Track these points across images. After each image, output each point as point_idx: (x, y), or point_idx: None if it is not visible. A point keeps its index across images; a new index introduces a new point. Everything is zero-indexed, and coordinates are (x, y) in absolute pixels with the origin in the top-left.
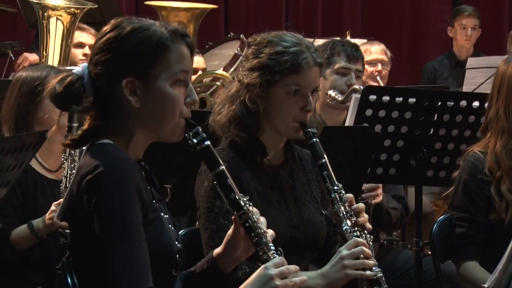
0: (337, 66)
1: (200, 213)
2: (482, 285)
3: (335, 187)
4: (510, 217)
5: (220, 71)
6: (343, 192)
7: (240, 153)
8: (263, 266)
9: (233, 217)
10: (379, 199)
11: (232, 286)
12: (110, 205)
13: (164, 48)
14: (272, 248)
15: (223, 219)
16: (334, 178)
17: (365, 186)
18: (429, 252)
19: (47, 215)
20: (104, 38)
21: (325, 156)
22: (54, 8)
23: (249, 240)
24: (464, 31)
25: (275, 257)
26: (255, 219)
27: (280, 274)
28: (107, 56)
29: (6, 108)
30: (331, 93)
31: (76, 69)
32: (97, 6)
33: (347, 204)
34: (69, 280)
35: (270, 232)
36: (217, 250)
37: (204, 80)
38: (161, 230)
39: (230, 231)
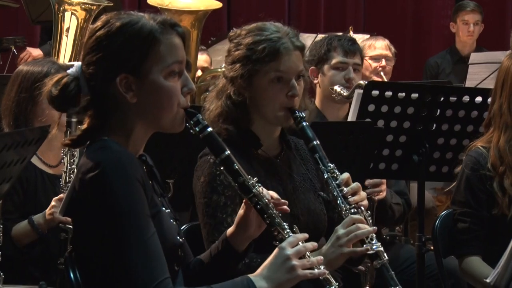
0: (334, 61)
1: (199, 209)
2: (485, 280)
3: (328, 167)
4: None
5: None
6: (337, 172)
7: (235, 147)
8: (278, 246)
9: (244, 200)
10: (383, 195)
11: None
12: (117, 200)
13: (154, 40)
14: (286, 227)
15: (220, 213)
16: (327, 159)
17: (368, 181)
18: (432, 248)
19: (48, 211)
20: (94, 37)
21: (317, 138)
22: (70, 3)
23: (262, 220)
24: (466, 27)
25: (290, 235)
26: (266, 200)
27: (297, 253)
28: (98, 55)
29: (5, 103)
30: (337, 88)
31: (71, 70)
32: (112, 4)
33: (343, 183)
34: (72, 275)
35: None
36: (230, 230)
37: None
38: (161, 225)
39: (240, 212)
